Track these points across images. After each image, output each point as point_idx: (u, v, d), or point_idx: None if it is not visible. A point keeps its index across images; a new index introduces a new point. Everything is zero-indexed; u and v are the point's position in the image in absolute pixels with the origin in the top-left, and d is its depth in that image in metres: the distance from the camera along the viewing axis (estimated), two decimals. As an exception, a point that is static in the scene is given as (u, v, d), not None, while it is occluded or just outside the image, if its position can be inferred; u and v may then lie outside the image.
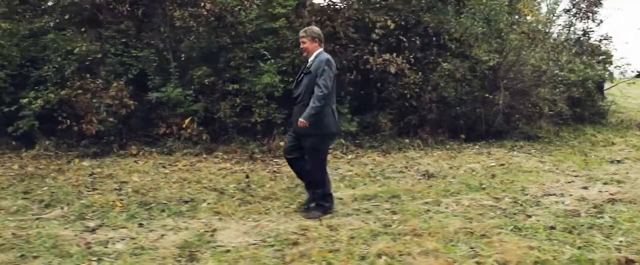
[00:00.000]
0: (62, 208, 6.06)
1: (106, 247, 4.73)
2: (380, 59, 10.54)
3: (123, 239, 4.95)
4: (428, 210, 5.84)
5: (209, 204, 6.14)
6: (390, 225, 5.28)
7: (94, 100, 9.78)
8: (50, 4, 11.49)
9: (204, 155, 9.36)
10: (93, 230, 5.22)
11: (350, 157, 9.21)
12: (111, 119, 9.62)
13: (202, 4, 10.08)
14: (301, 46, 5.62)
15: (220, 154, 9.31)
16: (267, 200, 6.29)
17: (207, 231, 5.14)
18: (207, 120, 10.32)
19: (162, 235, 5.06)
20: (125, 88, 10.01)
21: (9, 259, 4.43)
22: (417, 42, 10.83)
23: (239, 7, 10.23)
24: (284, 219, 5.60)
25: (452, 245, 4.72)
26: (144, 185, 7.03)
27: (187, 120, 9.86)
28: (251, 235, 5.04)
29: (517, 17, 11.66)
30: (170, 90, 10.22)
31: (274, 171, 8.03)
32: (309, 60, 5.51)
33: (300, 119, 5.25)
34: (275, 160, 8.91)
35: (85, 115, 9.74)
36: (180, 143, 9.91)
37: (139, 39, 11.52)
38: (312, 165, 5.56)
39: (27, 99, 10.17)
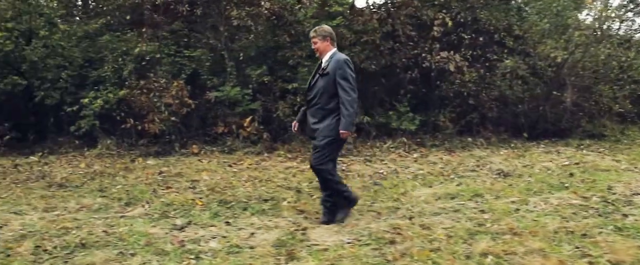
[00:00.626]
0: (143, 206, 6.04)
1: (200, 245, 4.67)
2: (438, 56, 10.35)
3: (214, 237, 4.88)
4: (517, 209, 5.64)
5: (289, 202, 6.05)
6: (484, 224, 5.10)
7: (155, 100, 9.80)
8: (110, 7, 11.55)
9: (266, 154, 9.30)
10: (182, 229, 5.17)
11: (415, 155, 9.04)
12: (173, 118, 9.63)
13: (261, 3, 10.03)
14: (313, 47, 5.30)
15: (283, 152, 9.24)
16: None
17: (297, 230, 5.04)
18: (266, 119, 10.27)
19: (252, 233, 4.98)
20: (184, 87, 10.02)
21: (108, 256, 4.39)
22: (481, 39, 10.58)
23: (299, 5, 10.15)
24: (370, 217, 5.47)
25: (556, 245, 4.53)
26: (217, 184, 6.98)
27: (247, 120, 9.82)
28: (343, 234, 4.92)
29: (585, 12, 11.31)
30: (228, 90, 10.19)
31: (343, 170, 7.91)
32: (323, 60, 5.18)
33: (342, 131, 4.96)
34: (340, 158, 8.76)
35: (147, 114, 9.78)
36: (240, 142, 9.88)
37: (191, 39, 11.58)
38: (321, 163, 5.12)
39: (87, 99, 10.29)
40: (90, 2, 13.32)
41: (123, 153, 9.80)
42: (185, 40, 11.60)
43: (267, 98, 10.34)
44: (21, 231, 5.18)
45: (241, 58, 10.59)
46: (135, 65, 10.67)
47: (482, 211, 5.57)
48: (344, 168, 8.04)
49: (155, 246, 4.62)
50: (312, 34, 5.27)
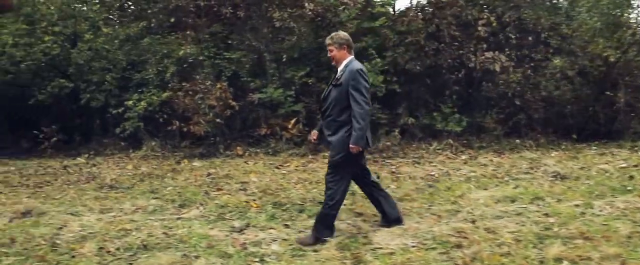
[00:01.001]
0: (197, 208, 6.01)
1: (262, 248, 4.60)
2: (483, 57, 10.16)
3: (275, 240, 4.82)
4: (583, 213, 5.43)
5: (345, 205, 5.94)
6: (551, 228, 4.92)
7: (199, 102, 9.82)
8: (151, 10, 11.65)
9: (311, 156, 9.24)
10: (241, 231, 5.11)
11: (464, 157, 8.86)
12: (218, 120, 9.63)
13: (305, 4, 9.97)
14: (329, 55, 4.93)
15: (326, 154, 9.14)
16: (403, 202, 6.04)
17: (358, 233, 4.94)
18: (309, 120, 10.20)
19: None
20: (227, 89, 10.02)
21: (173, 259, 4.36)
22: (530, 38, 10.35)
23: (343, 6, 10.08)
24: (430, 220, 5.34)
25: (632, 251, 4.33)
26: (268, 186, 6.91)
27: (292, 121, 9.78)
28: (406, 237, 4.80)
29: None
30: (271, 91, 10.17)
31: (393, 172, 7.79)
32: (339, 70, 4.82)
33: (352, 146, 4.57)
34: (387, 160, 8.68)
35: (191, 116, 9.81)
36: (284, 144, 9.84)
37: (231, 41, 11.61)
38: (332, 180, 4.79)
39: (131, 101, 10.38)
40: (128, 7, 13.44)
41: (167, 155, 9.85)
42: (225, 42, 11.65)
43: (310, 99, 10.28)
44: (81, 232, 5.19)
45: (284, 59, 10.55)
46: (177, 67, 10.74)
47: (547, 215, 5.38)
48: (393, 170, 7.91)
49: (218, 249, 4.58)
50: (327, 41, 4.92)
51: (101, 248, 4.66)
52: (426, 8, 10.39)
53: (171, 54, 11.11)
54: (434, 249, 4.50)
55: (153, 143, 10.17)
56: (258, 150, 9.75)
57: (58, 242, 4.89)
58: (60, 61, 10.93)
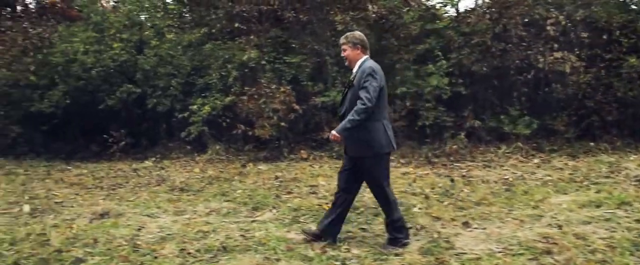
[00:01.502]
0: (270, 211, 6.01)
1: (342, 252, 4.53)
2: (552, 57, 9.81)
3: (354, 244, 4.74)
4: (677, 219, 5.13)
5: (420, 209, 5.83)
6: (646, 235, 4.66)
7: (263, 106, 9.86)
8: (214, 16, 11.82)
9: (376, 160, 9.11)
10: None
11: (536, 161, 8.56)
12: (282, 124, 9.64)
13: (368, 7, 9.89)
14: (342, 54, 4.84)
15: (394, 158, 9.00)
16: (480, 206, 5.87)
17: (439, 237, 4.81)
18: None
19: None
20: (291, 93, 10.03)
21: (254, 261, 4.34)
22: (604, 37, 9.92)
23: (407, 8, 9.94)
24: (513, 225, 5.14)
25: None
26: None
27: (356, 124, 9.67)
28: (490, 242, 4.64)
29: None
30: (334, 95, 10.11)
31: (464, 175, 7.59)
32: (353, 71, 4.73)
33: (333, 132, 4.47)
34: (456, 164, 8.48)
35: (255, 120, 9.86)
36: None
37: (291, 45, 11.63)
38: (373, 192, 4.72)
39: (195, 106, 10.53)
40: (186, 14, 13.67)
41: (232, 158, 9.94)
42: (285, 47, 11.70)
43: (373, 103, 10.16)
44: (160, 234, 5.26)
45: (346, 63, 10.45)
46: (239, 72, 10.84)
47: (638, 221, 5.10)
48: (464, 174, 7.72)
49: (297, 252, 4.54)
50: (342, 40, 4.81)
51: (182, 249, 4.69)
52: (492, 8, 10.10)
53: (233, 59, 11.23)
54: (521, 254, 4.33)
55: (217, 147, 10.28)
56: (322, 153, 9.72)
57: (138, 243, 4.96)
58: (127, 67, 11.20)
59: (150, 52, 11.04)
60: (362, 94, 4.39)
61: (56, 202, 7.02)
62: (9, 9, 19.04)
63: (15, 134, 11.48)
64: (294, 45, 11.19)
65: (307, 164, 8.97)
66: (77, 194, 7.55)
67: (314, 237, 4.78)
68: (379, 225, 5.29)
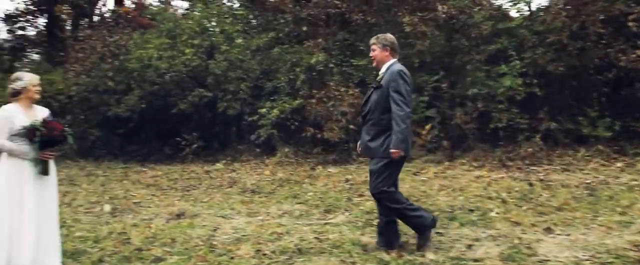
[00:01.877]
0: (343, 213, 5.98)
1: (418, 256, 4.43)
2: (634, 55, 9.29)
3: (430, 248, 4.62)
4: None
5: (498, 213, 5.64)
6: None
7: (332, 109, 9.86)
8: (283, 21, 11.96)
9: (447, 163, 8.93)
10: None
11: (619, 165, 8.12)
12: (351, 126, 9.61)
13: (438, 7, 9.72)
14: (370, 54, 4.74)
15: (465, 161, 8.80)
16: (562, 211, 5.61)
17: (519, 243, 4.62)
18: (443, 126, 9.90)
19: (470, 245, 4.64)
20: (359, 96, 9.98)
21: (329, 264, 4.31)
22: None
23: (478, 7, 9.70)
24: (599, 232, 4.88)
25: None
26: (411, 193, 6.75)
27: (427, 127, 9.53)
28: (575, 249, 4.42)
29: None
30: (403, 97, 9.98)
31: (541, 179, 7.31)
32: (380, 72, 4.64)
33: (393, 150, 4.31)
34: (532, 167, 8.18)
35: (324, 123, 9.88)
36: (417, 150, 9.60)
37: (358, 47, 11.59)
38: (376, 189, 4.53)
39: (264, 109, 10.66)
40: (253, 19, 13.88)
41: (301, 161, 9.99)
42: (351, 49, 11.68)
43: (443, 105, 9.98)
44: (235, 234, 5.33)
45: (416, 64, 10.33)
46: (306, 75, 10.92)
47: None
48: (542, 177, 7.43)
49: (373, 255, 4.47)
50: (372, 40, 4.70)
51: (257, 251, 4.72)
52: (568, 5, 9.68)
53: (300, 62, 11.32)
54: (611, 263, 4.10)
55: (286, 149, 10.35)
56: (392, 156, 9.59)
57: (215, 243, 5.04)
58: (199, 72, 11.48)
59: (220, 57, 11.28)
60: (398, 99, 4.36)
61: (134, 202, 7.27)
62: (86, 19, 20.04)
63: (95, 137, 12.04)
64: (361, 48, 11.14)
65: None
66: (153, 195, 7.79)
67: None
68: (454, 230, 5.16)
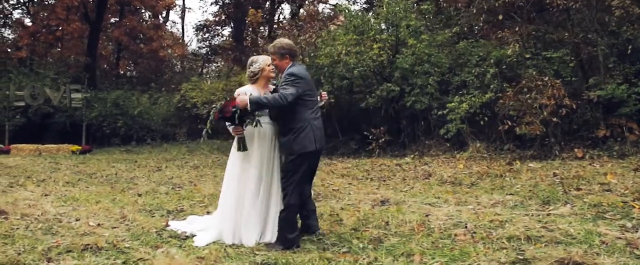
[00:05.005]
0: (565, 206, 5.49)
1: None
2: None
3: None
4: None
5: None
6: None
7: (530, 101, 9.26)
8: (468, 14, 11.59)
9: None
10: (637, 230, 4.43)
11: None
12: (554, 119, 8.93)
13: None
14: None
15: None
16: None
17: None
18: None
19: None
20: (561, 87, 9.25)
21: (572, 254, 3.93)
22: None
23: None
24: None
25: None
26: (636, 189, 6.01)
27: (644, 121, 8.55)
28: None
29: None
30: (612, 88, 9.06)
31: None
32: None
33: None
34: None
35: (522, 116, 9.32)
36: (630, 146, 8.65)
37: (552, 37, 10.81)
38: (285, 185, 4.51)
39: (453, 104, 10.35)
40: (438, 14, 13.63)
41: (494, 156, 9.52)
42: (545, 40, 10.93)
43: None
44: (449, 220, 5.13)
45: (629, 52, 9.33)
46: (497, 69, 10.43)
47: None
48: None
49: (617, 246, 3.99)
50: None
51: (483, 237, 4.47)
52: None
53: (489, 56, 10.86)
54: None
55: (478, 144, 9.94)
56: (600, 152, 8.75)
57: (432, 226, 4.89)
58: (385, 67, 11.52)
59: (407, 51, 11.19)
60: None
61: (334, 189, 7.42)
62: (267, 26, 21.35)
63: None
64: (554, 38, 10.40)
65: (586, 163, 8.12)
66: (350, 184, 7.90)
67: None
68: None
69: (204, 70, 29.34)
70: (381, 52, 11.29)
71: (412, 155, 10.30)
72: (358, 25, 11.99)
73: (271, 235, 4.58)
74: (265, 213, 4.59)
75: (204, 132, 4.59)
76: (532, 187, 6.59)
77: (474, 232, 4.58)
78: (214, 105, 4.54)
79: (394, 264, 3.90)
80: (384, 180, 7.98)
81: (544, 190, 6.27)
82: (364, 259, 4.01)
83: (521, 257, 3.89)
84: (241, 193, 4.57)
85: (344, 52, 11.53)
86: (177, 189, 8.10)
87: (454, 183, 7.36)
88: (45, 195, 7.49)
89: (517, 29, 10.09)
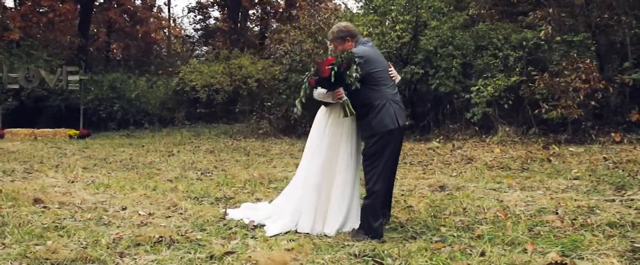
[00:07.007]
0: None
1: None
2: None
3: None
4: None
5: None
6: None
7: (563, 84, 9.07)
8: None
9: None
10: None
11: None
12: (593, 102, 8.76)
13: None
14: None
15: None
16: None
17: None
18: None
19: None
20: (595, 69, 9.07)
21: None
22: None
23: None
24: None
25: None
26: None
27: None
28: None
29: None
30: (645, 72, 8.93)
31: None
32: None
33: None
34: None
35: (552, 100, 9.13)
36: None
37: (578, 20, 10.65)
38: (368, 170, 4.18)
39: (477, 87, 10.14)
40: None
41: (525, 140, 9.33)
42: (568, 23, 10.76)
43: None
44: (530, 206, 4.91)
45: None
46: (521, 53, 10.25)
47: None
48: None
49: None
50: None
51: (582, 224, 4.21)
52: None
53: (509, 38, 10.65)
54: None
55: (507, 128, 9.74)
56: (635, 136, 8.63)
57: (516, 213, 4.65)
58: (409, 48, 11.22)
59: (431, 33, 10.91)
60: None
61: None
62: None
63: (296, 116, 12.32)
64: (572, 23, 10.24)
65: (627, 147, 7.98)
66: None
67: None
68: None
69: (197, 53, 28.75)
70: (404, 34, 10.98)
71: (437, 139, 10.06)
72: (379, 6, 11.63)
73: (352, 224, 4.29)
74: (350, 199, 4.29)
75: (297, 102, 4.15)
76: (590, 171, 6.39)
77: (574, 219, 4.33)
78: (305, 74, 4.14)
79: (507, 254, 3.62)
80: (425, 165, 7.71)
81: (606, 175, 6.08)
82: (466, 248, 3.73)
83: (638, 245, 3.66)
84: (326, 177, 4.25)
85: (365, 33, 11.19)
86: (207, 174, 7.75)
87: (501, 167, 7.13)
88: (72, 181, 7.08)
89: (550, 10, 9.84)
